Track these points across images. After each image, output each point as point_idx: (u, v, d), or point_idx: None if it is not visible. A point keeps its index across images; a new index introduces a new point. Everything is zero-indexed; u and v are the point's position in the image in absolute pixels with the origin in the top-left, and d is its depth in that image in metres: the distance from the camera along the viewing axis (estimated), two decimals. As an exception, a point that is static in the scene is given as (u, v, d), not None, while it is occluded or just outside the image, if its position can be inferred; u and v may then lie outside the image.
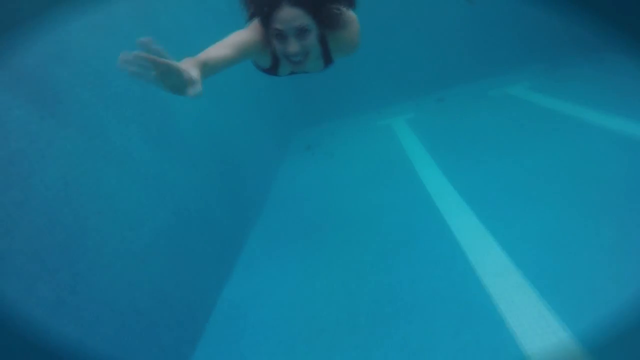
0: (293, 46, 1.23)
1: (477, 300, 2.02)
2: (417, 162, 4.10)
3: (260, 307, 2.48)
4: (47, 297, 1.50)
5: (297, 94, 6.52)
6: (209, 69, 1.17)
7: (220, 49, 1.25)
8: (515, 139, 3.87)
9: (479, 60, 6.28)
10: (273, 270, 2.84)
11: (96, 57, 2.15)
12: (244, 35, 1.33)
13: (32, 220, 1.53)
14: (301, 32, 1.22)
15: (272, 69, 1.51)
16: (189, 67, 1.03)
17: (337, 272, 2.63)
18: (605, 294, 1.78)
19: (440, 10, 6.16)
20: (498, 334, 1.78)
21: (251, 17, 1.41)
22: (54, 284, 1.55)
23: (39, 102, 1.71)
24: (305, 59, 1.32)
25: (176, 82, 0.96)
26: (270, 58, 1.43)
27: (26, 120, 1.61)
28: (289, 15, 1.19)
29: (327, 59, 1.54)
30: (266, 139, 5.01)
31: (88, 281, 1.71)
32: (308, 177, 4.56)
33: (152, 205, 2.28)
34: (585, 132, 3.50)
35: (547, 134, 3.72)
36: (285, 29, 1.21)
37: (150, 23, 2.90)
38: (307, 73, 1.57)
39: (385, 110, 6.35)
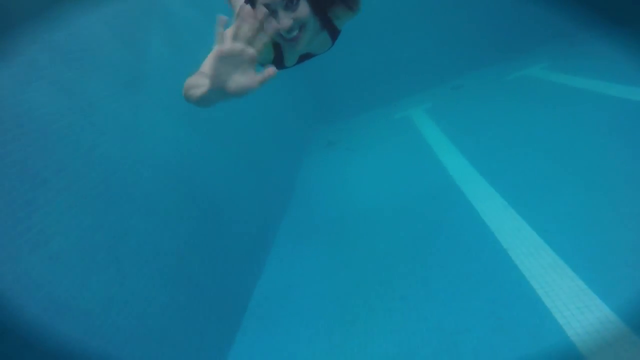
0: (284, 20, 1.13)
1: (511, 280, 2.02)
2: (439, 150, 4.08)
3: (294, 298, 2.54)
4: (98, 292, 1.60)
5: (315, 93, 6.59)
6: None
7: None
8: (537, 120, 3.81)
9: (493, 44, 6.18)
10: (304, 262, 2.89)
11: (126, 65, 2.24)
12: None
13: (81, 221, 1.62)
14: (289, 3, 1.12)
15: (278, 61, 1.37)
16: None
17: (366, 261, 2.66)
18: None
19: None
20: (535, 313, 1.78)
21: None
22: (104, 280, 1.64)
23: (78, 110, 1.80)
24: (303, 34, 1.21)
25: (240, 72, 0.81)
26: (272, 49, 1.31)
27: (71, 129, 1.71)
28: None
29: (331, 30, 1.39)
30: (288, 137, 5.08)
31: (133, 277, 1.80)
32: (331, 172, 4.61)
33: (186, 204, 2.37)
34: (609, 108, 3.42)
35: (570, 112, 3.65)
36: (271, 3, 1.11)
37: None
38: (317, 55, 1.43)
39: (403, 102, 6.33)
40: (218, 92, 0.82)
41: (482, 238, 2.42)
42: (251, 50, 0.82)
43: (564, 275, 1.94)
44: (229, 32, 0.84)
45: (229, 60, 0.80)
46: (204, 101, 0.89)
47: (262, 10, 1.12)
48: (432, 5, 6.21)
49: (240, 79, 0.81)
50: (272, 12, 1.13)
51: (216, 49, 0.79)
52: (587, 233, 2.13)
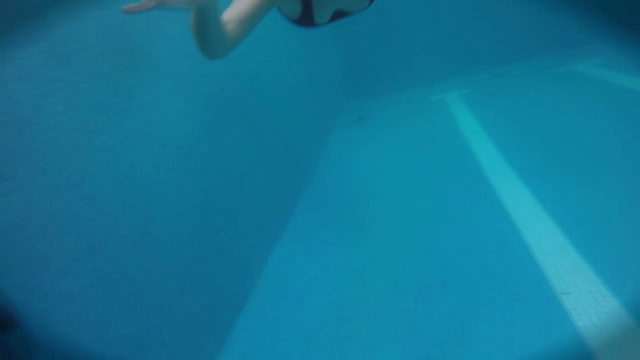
0: None
1: (530, 277, 2.00)
2: (470, 137, 3.98)
3: (309, 268, 2.59)
4: (126, 236, 1.66)
5: (350, 66, 6.46)
6: (238, 27, 0.96)
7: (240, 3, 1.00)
8: (582, 120, 3.64)
9: (542, 35, 5.84)
10: (322, 235, 2.93)
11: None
12: None
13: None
14: None
15: (306, 18, 1.19)
16: None
17: (385, 239, 2.67)
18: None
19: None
20: (551, 311, 1.76)
21: None
22: (132, 225, 1.70)
23: (110, 111, 1.83)
24: None
25: None
26: (300, 3, 1.15)
27: (100, 128, 1.71)
28: None
29: None
30: (318, 108, 5.04)
31: (158, 225, 1.86)
32: (358, 147, 4.57)
33: (214, 161, 2.40)
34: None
35: (621, 115, 3.45)
36: None
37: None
38: (352, 14, 1.27)
39: (439, 85, 6.15)
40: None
41: (504, 231, 2.38)
42: None
43: (586, 280, 1.89)
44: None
45: None
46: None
47: None
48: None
49: None
50: None
51: None
52: (621, 242, 2.05)
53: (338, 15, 1.21)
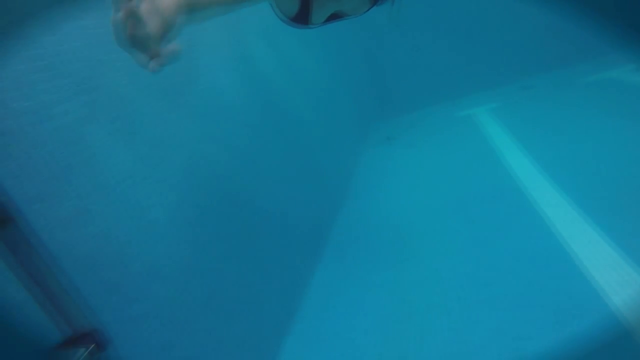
0: None
1: (582, 293, 1.95)
2: (503, 153, 3.95)
3: (350, 289, 2.61)
4: (180, 262, 1.76)
5: (375, 85, 6.56)
6: (195, 11, 0.80)
7: None
8: (619, 127, 3.55)
9: (571, 42, 5.73)
10: (360, 257, 2.96)
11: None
12: None
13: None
14: None
15: (301, 17, 1.13)
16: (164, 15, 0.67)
17: (423, 259, 2.67)
18: None
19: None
20: (611, 329, 1.71)
21: None
22: (184, 252, 1.80)
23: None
24: None
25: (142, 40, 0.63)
26: (299, 1, 1.09)
27: (155, 162, 1.88)
28: None
29: None
30: (345, 130, 5.13)
31: (207, 253, 1.95)
32: (389, 167, 4.61)
33: (253, 186, 2.51)
34: None
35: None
36: None
37: None
38: (350, 17, 1.21)
39: (465, 101, 6.14)
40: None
41: (550, 247, 2.34)
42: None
43: (641, 294, 1.84)
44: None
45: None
46: None
47: None
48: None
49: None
50: None
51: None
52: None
53: (335, 16, 1.17)
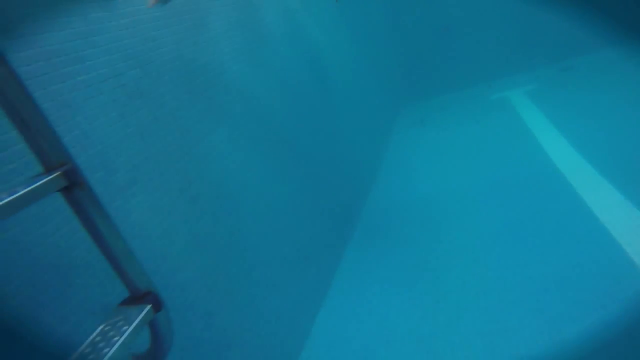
0: None
1: (623, 275, 1.90)
2: (541, 136, 3.82)
3: (384, 266, 2.63)
4: (223, 235, 1.82)
5: (407, 68, 6.43)
6: None
7: None
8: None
9: (613, 23, 5.43)
10: (392, 235, 2.96)
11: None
12: None
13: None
14: None
15: None
16: None
17: (458, 239, 2.65)
18: None
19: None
20: (654, 310, 1.67)
21: None
22: (227, 225, 1.86)
23: (205, 121, 2.01)
24: None
25: None
26: None
27: (198, 137, 1.92)
28: None
29: None
30: (378, 112, 5.08)
31: (248, 227, 2.00)
32: (421, 149, 4.54)
33: (292, 166, 2.54)
34: None
35: None
36: None
37: None
38: None
39: (500, 83, 5.94)
40: None
41: (592, 229, 2.28)
42: None
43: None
44: None
45: None
46: None
47: None
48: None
49: None
50: None
51: None
52: None
53: None
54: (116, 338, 0.98)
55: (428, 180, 3.72)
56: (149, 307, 1.04)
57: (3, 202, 0.77)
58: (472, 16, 6.07)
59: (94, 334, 0.98)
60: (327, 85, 3.64)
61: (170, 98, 1.69)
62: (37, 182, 0.83)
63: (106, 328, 1.01)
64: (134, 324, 0.99)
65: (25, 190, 0.81)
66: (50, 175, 0.85)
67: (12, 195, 0.80)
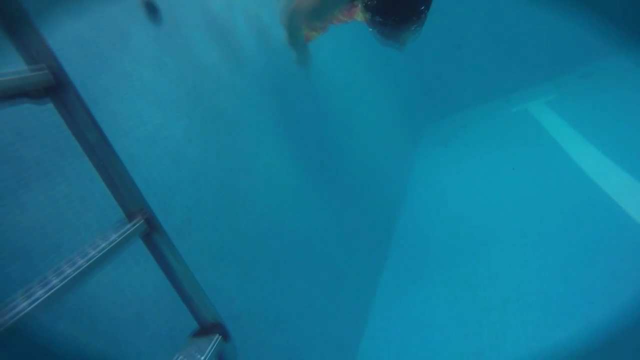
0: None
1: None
2: (568, 145, 3.80)
3: (422, 287, 2.65)
4: (269, 265, 1.91)
5: (424, 88, 6.53)
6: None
7: None
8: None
9: (633, 23, 5.41)
10: (429, 255, 2.98)
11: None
12: None
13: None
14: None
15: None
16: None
17: (493, 255, 2.66)
18: None
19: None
20: None
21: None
22: (272, 256, 1.95)
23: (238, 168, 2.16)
24: None
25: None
26: None
27: (241, 175, 2.06)
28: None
29: None
30: (398, 135, 5.18)
31: (290, 255, 2.10)
32: (446, 169, 4.58)
33: (327, 193, 2.64)
34: None
35: None
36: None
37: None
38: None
39: (518, 95, 5.95)
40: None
41: (635, 236, 2.25)
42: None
43: None
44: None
45: None
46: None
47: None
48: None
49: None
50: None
51: None
52: None
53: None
54: (192, 367, 1.07)
55: (457, 199, 3.74)
56: (219, 337, 1.14)
57: (102, 250, 0.89)
58: (484, 31, 6.15)
59: (172, 364, 1.08)
60: (351, 113, 3.78)
61: (214, 143, 1.84)
62: (125, 229, 0.96)
63: (181, 357, 1.11)
64: (207, 354, 1.09)
65: (117, 236, 0.94)
66: (136, 222, 0.98)
67: (106, 241, 0.93)
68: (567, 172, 3.31)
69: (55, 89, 0.91)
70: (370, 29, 1.64)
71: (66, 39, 1.31)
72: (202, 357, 1.06)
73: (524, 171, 3.72)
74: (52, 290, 0.75)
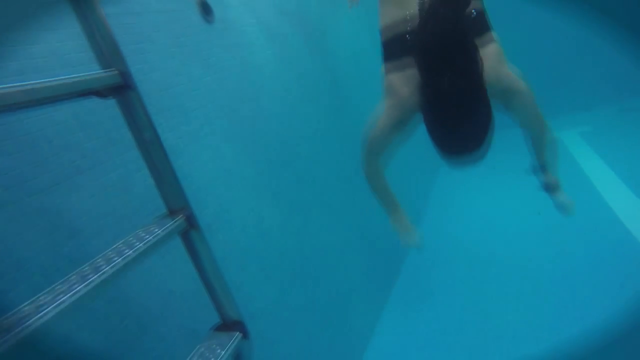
0: None
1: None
2: (598, 181, 3.73)
3: (430, 308, 2.66)
4: (287, 268, 1.97)
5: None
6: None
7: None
8: None
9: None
10: (441, 275, 2.99)
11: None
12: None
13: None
14: None
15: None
16: None
17: (508, 282, 2.65)
18: None
19: None
20: None
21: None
22: (291, 259, 2.01)
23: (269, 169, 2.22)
24: None
25: None
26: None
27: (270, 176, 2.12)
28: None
29: None
30: (422, 151, 5.14)
31: (309, 261, 2.15)
32: (468, 191, 4.53)
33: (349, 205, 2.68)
34: None
35: None
36: None
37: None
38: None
39: (553, 122, 5.75)
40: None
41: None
42: None
43: None
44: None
45: None
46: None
47: None
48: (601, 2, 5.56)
49: None
50: None
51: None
52: None
53: None
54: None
55: (476, 220, 3.72)
56: (239, 335, 1.20)
57: (147, 242, 0.96)
58: (525, 53, 6.02)
59: (193, 353, 1.14)
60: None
61: (250, 141, 1.91)
62: (167, 225, 1.02)
63: (202, 349, 1.18)
64: (227, 349, 1.15)
65: (161, 231, 1.00)
66: (177, 219, 1.05)
67: (151, 235, 0.99)
68: (593, 208, 3.25)
69: (121, 88, 0.99)
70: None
71: (130, 38, 1.39)
72: (222, 352, 1.12)
73: (548, 200, 3.65)
74: (104, 276, 0.82)
